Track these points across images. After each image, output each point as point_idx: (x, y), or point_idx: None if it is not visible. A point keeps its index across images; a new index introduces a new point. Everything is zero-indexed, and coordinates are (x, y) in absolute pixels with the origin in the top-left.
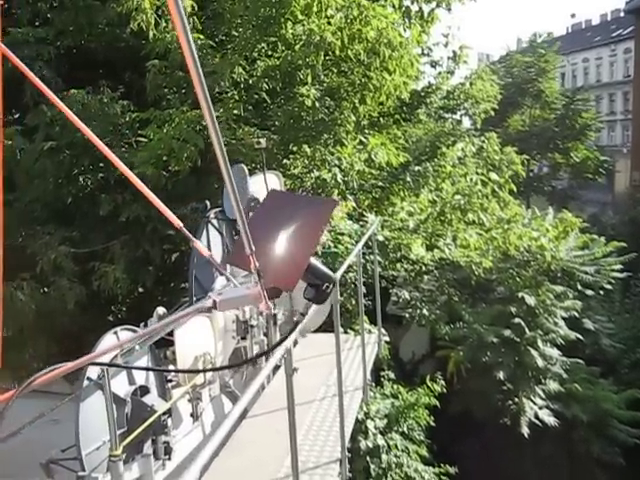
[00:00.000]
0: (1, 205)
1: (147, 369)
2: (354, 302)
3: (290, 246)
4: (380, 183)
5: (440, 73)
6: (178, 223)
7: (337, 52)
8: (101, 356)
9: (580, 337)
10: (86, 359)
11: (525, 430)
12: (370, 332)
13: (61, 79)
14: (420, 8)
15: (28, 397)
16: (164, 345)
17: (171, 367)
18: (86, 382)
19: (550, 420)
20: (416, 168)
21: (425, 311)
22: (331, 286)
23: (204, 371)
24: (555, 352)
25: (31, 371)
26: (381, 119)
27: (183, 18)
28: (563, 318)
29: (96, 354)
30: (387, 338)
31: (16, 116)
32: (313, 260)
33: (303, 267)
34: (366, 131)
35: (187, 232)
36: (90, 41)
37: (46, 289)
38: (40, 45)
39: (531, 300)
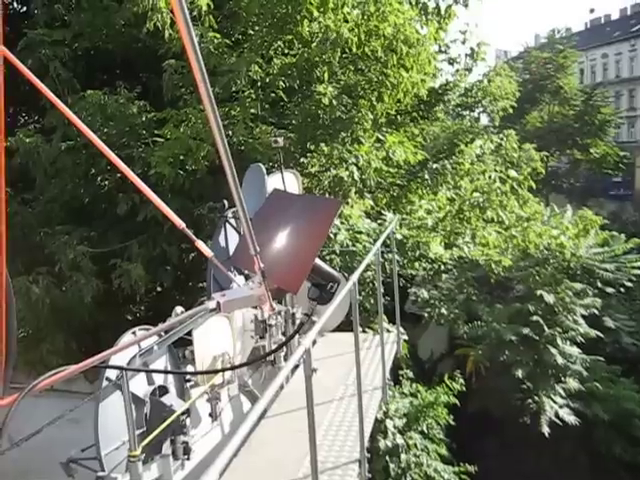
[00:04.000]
0: (3, 204)
1: (153, 371)
2: (372, 301)
3: (294, 247)
4: (398, 181)
5: (458, 70)
6: (180, 223)
7: (354, 49)
8: (117, 355)
9: (600, 335)
10: (98, 358)
11: (545, 429)
12: (388, 331)
13: (78, 80)
14: (437, 4)
15: (49, 396)
16: (183, 344)
17: (189, 367)
18: (105, 382)
19: (570, 419)
20: (434, 166)
21: (444, 310)
22: (335, 286)
23: (222, 370)
24: (575, 350)
25: (49, 367)
26: (398, 117)
27: (187, 19)
28: (583, 316)
29: (111, 352)
30: (406, 337)
31: (35, 117)
32: (318, 260)
33: (308, 268)
34: (384, 129)
35: (189, 233)
36: (107, 42)
37: (64, 288)
38: (57, 46)
39: (550, 298)
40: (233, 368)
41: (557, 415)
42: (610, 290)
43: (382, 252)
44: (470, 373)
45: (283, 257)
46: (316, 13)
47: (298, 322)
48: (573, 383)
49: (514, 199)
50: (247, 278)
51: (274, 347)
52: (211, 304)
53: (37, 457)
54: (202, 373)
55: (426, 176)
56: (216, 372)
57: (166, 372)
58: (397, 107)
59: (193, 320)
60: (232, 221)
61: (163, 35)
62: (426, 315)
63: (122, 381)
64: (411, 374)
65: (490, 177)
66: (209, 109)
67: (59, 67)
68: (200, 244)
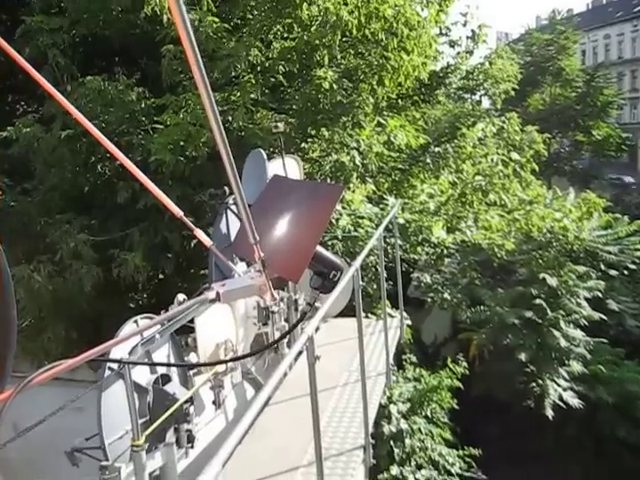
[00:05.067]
0: None
1: (154, 364)
2: (375, 286)
3: (295, 234)
4: (400, 165)
5: (459, 53)
6: (178, 212)
7: (354, 32)
8: (121, 345)
9: (604, 318)
10: (99, 349)
11: (549, 412)
12: (391, 316)
13: (76, 67)
14: None
15: (53, 385)
16: (185, 332)
17: (192, 354)
18: (107, 371)
19: (574, 402)
20: (436, 150)
21: (447, 295)
22: (339, 274)
23: (225, 362)
24: (578, 333)
25: (50, 356)
26: (399, 101)
27: (180, 3)
28: (586, 299)
29: (112, 343)
30: (409, 322)
31: (34, 106)
32: (320, 248)
33: (309, 256)
34: (385, 113)
35: (188, 221)
36: (104, 29)
37: (65, 277)
38: (54, 33)
39: (552, 281)
40: (237, 359)
41: (561, 398)
42: (613, 272)
43: (384, 237)
44: (473, 357)
45: (284, 245)
46: None
47: (300, 310)
48: (577, 366)
49: (517, 182)
50: (249, 265)
51: (277, 334)
52: (210, 294)
53: (41, 446)
54: (205, 365)
55: (428, 160)
56: (219, 363)
57: (168, 365)
58: (398, 91)
59: (194, 309)
60: (233, 208)
61: (161, 20)
62: (429, 300)
63: (124, 370)
64: (414, 359)
65: (492, 160)
66: (204, 95)
67: (58, 55)
68: (199, 233)
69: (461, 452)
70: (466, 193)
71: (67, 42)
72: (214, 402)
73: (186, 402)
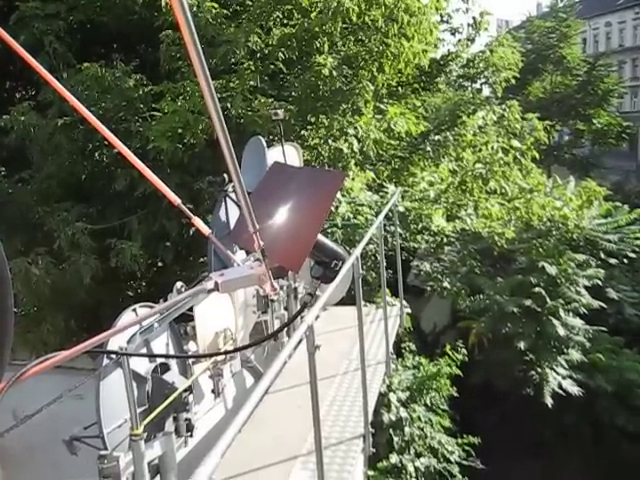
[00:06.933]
0: None
1: (151, 356)
2: (375, 275)
3: (296, 222)
4: (399, 153)
5: (460, 40)
6: (176, 200)
7: (354, 19)
8: (120, 334)
9: (603, 306)
10: (97, 339)
11: (548, 400)
12: (391, 305)
13: (73, 54)
14: None
15: (53, 373)
16: (184, 320)
17: (191, 343)
18: (106, 360)
19: (574, 390)
20: (436, 137)
21: (446, 283)
22: (340, 264)
23: (225, 353)
24: (577, 321)
25: (50, 346)
26: (400, 88)
27: None
28: (586, 287)
29: (110, 333)
30: (408, 310)
31: (32, 92)
32: (321, 237)
33: (310, 244)
34: (385, 100)
35: (186, 209)
36: (102, 15)
37: (63, 265)
38: (51, 20)
39: (552, 269)
40: (237, 350)
41: (560, 386)
42: (613, 261)
43: (384, 225)
44: (473, 345)
45: (284, 233)
46: None
47: (300, 298)
48: (576, 354)
49: (517, 169)
50: (248, 254)
51: (276, 322)
52: (209, 284)
53: (42, 433)
54: (205, 356)
55: (428, 148)
56: (219, 354)
57: (165, 356)
58: (398, 78)
59: (193, 298)
60: (232, 195)
61: (160, 5)
62: (428, 288)
63: (122, 359)
64: (414, 347)
65: (493, 148)
66: (203, 82)
67: (54, 41)
68: (197, 221)
69: (460, 440)
70: (466, 181)
71: (64, 28)
72: (213, 391)
73: (185, 391)
